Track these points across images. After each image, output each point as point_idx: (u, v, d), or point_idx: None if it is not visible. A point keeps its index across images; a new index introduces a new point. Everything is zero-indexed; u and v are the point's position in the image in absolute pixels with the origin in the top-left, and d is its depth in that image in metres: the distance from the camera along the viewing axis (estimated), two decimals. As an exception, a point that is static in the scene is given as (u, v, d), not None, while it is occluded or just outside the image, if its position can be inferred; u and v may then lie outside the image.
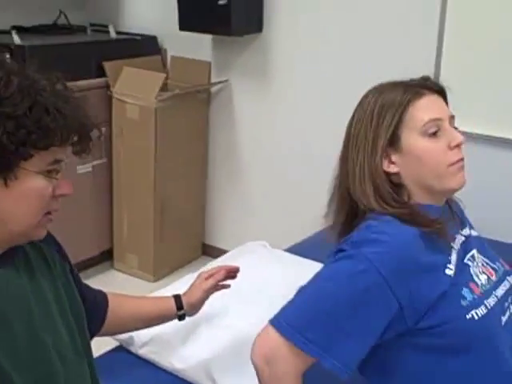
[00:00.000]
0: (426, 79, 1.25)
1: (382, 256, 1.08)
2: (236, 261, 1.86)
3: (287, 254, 2.02)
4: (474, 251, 1.22)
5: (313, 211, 2.73)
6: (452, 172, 1.17)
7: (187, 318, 1.43)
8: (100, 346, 1.57)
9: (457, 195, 1.29)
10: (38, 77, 0.98)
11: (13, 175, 0.93)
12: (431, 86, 1.23)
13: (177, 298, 1.42)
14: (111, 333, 1.39)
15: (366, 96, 1.24)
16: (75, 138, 1.00)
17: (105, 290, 1.66)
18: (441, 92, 1.24)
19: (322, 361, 1.09)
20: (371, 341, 1.10)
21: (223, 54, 2.94)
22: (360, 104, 1.24)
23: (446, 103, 1.25)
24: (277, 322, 1.12)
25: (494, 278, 1.21)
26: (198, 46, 2.96)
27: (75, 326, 1.12)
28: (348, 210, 1.24)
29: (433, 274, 1.11)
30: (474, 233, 1.30)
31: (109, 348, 1.62)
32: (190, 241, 3.15)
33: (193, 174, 3.08)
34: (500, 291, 1.19)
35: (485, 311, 1.12)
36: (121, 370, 1.53)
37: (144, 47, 3.06)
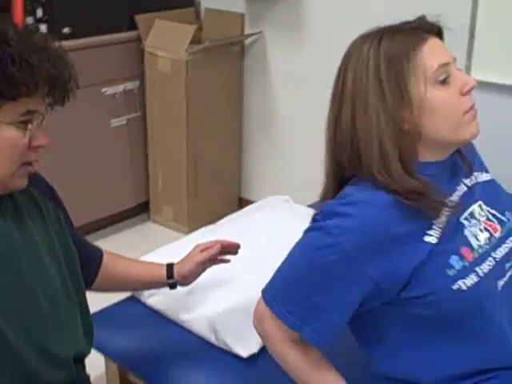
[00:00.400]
0: (423, 19, 1.13)
1: (346, 231, 1.04)
2: (253, 215, 1.88)
3: (308, 210, 2.02)
4: (475, 206, 1.14)
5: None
6: (467, 120, 1.09)
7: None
8: (114, 295, 1.64)
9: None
10: (11, 28, 0.98)
11: None
12: (431, 28, 1.12)
13: (169, 266, 1.42)
14: (103, 289, 1.41)
15: (360, 45, 1.13)
16: (45, 90, 1.00)
17: (142, 241, 1.71)
18: (439, 32, 1.14)
19: (299, 332, 1.10)
20: (347, 314, 1.10)
21: (257, 5, 2.88)
22: (354, 56, 1.13)
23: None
24: (264, 292, 1.15)
25: (497, 234, 1.13)
26: (232, -3, 2.91)
27: (68, 272, 1.16)
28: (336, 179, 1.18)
29: (407, 245, 1.05)
30: (485, 177, 1.21)
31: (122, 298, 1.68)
32: (225, 194, 3.17)
33: (227, 127, 3.07)
34: (501, 251, 1.11)
35: (475, 280, 1.06)
36: (130, 320, 1.57)
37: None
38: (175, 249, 1.65)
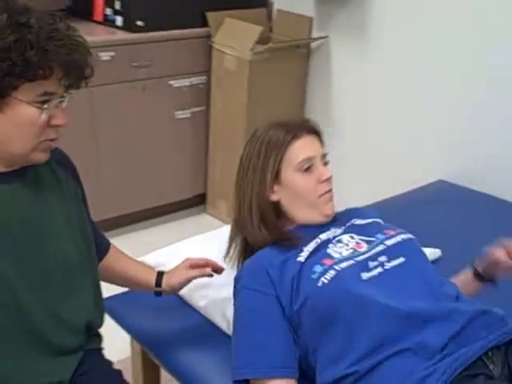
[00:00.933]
0: (305, 121, 1.48)
1: (244, 271, 1.37)
2: None
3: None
4: (345, 236, 1.41)
5: (403, 173, 2.73)
6: (321, 202, 1.41)
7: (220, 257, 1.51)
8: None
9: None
10: (33, 15, 1.07)
11: (4, 103, 1.05)
12: (309, 128, 1.45)
13: (159, 274, 1.48)
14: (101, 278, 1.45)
15: (255, 132, 1.48)
16: (60, 74, 1.08)
17: (195, 232, 1.79)
18: (317, 133, 1.46)
19: (270, 376, 1.27)
20: (288, 336, 1.30)
21: (325, 10, 2.90)
22: (250, 139, 1.48)
23: (322, 142, 1.46)
24: (233, 375, 1.32)
25: (362, 249, 1.37)
26: (303, 0, 2.94)
27: (83, 244, 1.25)
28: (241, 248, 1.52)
29: (285, 266, 1.33)
30: (362, 222, 1.49)
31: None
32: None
33: (287, 128, 3.11)
34: (363, 256, 1.34)
35: (333, 273, 1.28)
36: (155, 303, 1.63)
37: (251, -1, 3.10)
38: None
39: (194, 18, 2.93)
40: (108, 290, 1.50)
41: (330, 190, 1.42)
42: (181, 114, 3.01)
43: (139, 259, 1.73)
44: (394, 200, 2.36)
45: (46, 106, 1.09)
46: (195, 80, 3.00)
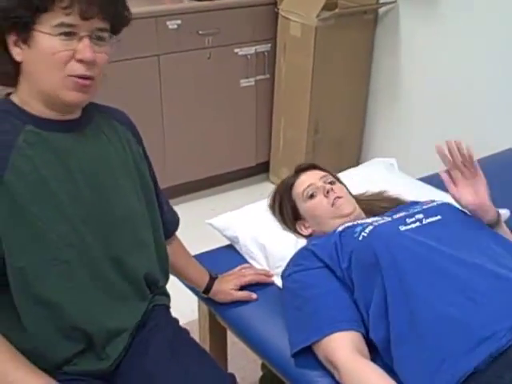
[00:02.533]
0: (299, 166, 1.71)
1: (288, 266, 1.51)
2: (351, 175, 1.93)
3: (403, 175, 2.03)
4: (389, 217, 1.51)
5: (474, 141, 2.67)
6: (335, 209, 1.58)
7: None
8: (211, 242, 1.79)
9: None
10: None
11: (30, 37, 1.09)
12: (303, 168, 1.69)
13: (211, 281, 1.55)
14: None
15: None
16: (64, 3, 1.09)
17: (258, 199, 1.85)
18: (312, 167, 1.70)
19: (322, 335, 1.31)
20: (343, 296, 1.38)
21: (395, -26, 2.83)
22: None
23: (323, 170, 1.69)
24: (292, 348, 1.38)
25: (397, 216, 1.49)
26: (371, -36, 2.88)
27: (144, 199, 1.29)
28: None
29: (327, 239, 1.48)
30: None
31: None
32: (343, 163, 3.18)
33: (352, 96, 3.07)
34: (400, 214, 1.48)
35: (372, 227, 1.40)
36: (225, 266, 1.69)
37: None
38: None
39: (260, -16, 2.92)
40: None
41: (339, 197, 1.59)
42: (245, 82, 3.02)
43: (206, 222, 1.79)
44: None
45: (63, 37, 1.10)
46: (260, 48, 3.00)
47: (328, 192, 1.59)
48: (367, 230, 1.40)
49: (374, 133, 3.19)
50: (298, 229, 1.68)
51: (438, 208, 1.52)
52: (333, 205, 1.58)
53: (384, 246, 1.34)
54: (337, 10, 2.74)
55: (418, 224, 1.43)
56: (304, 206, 1.63)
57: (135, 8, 2.65)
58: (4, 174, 1.08)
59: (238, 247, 1.74)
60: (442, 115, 2.84)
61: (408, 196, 1.73)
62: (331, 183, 1.64)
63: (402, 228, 1.41)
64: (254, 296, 1.56)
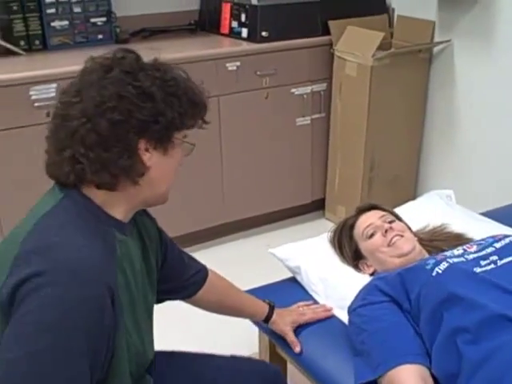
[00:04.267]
0: (360, 207, 1.80)
1: (353, 301, 1.52)
2: (410, 208, 1.94)
3: (462, 208, 2.03)
4: (461, 247, 1.53)
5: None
6: (392, 247, 1.63)
7: None
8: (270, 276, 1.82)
9: None
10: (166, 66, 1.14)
11: (170, 145, 1.11)
12: (363, 208, 1.77)
13: (271, 310, 1.58)
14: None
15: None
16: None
17: (315, 237, 1.90)
18: (372, 207, 1.76)
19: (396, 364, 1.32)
20: (409, 328, 1.39)
21: (448, 14, 2.87)
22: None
23: (383, 210, 1.75)
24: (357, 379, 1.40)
25: (472, 249, 1.50)
26: (425, 5, 2.93)
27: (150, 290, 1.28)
28: None
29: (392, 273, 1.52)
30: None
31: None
32: (399, 200, 3.18)
33: (407, 133, 3.10)
34: (473, 255, 1.46)
35: (447, 265, 1.41)
36: (288, 299, 1.71)
37: (371, 6, 3.12)
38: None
39: (315, 27, 3.00)
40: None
41: (398, 235, 1.64)
42: (302, 121, 3.09)
43: (269, 251, 1.82)
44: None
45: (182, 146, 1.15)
46: (316, 87, 3.06)
47: (386, 231, 1.64)
48: (442, 267, 1.41)
49: (430, 170, 3.19)
50: (361, 267, 1.72)
51: None
52: (391, 244, 1.63)
53: (460, 286, 1.34)
54: (392, 50, 2.79)
55: (492, 266, 1.42)
56: (364, 245, 1.69)
57: (197, 51, 2.81)
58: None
59: (299, 278, 1.77)
60: (497, 153, 2.83)
61: (469, 229, 1.74)
62: (390, 222, 1.67)
63: (478, 270, 1.40)
64: (298, 349, 1.56)
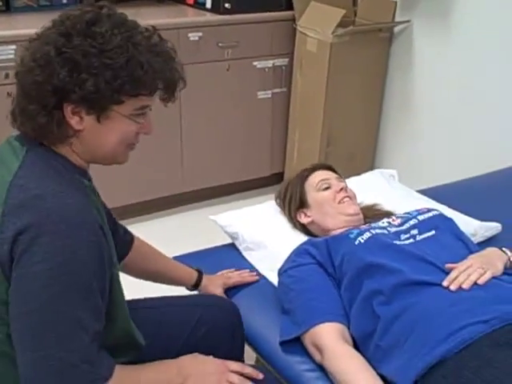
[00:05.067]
0: (319, 164, 1.89)
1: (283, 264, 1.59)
2: (352, 183, 2.00)
3: (402, 186, 2.10)
4: (386, 220, 1.63)
5: (480, 158, 2.72)
6: (342, 205, 1.69)
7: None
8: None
9: None
10: (136, 30, 1.13)
11: (105, 115, 1.11)
12: (322, 166, 1.84)
13: (199, 276, 1.63)
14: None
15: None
16: (161, 89, 1.15)
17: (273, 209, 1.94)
18: (331, 168, 1.83)
19: (312, 325, 1.39)
20: (332, 291, 1.47)
21: (410, -6, 2.92)
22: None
23: (336, 173, 1.81)
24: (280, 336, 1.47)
25: (395, 222, 1.60)
26: (388, -16, 2.97)
27: None
28: None
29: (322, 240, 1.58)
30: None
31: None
32: (356, 175, 3.25)
33: (365, 111, 3.15)
34: (396, 228, 1.56)
35: (369, 235, 1.49)
36: (228, 263, 1.77)
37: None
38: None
39: (279, 1, 3.03)
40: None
41: (349, 197, 1.71)
42: (263, 94, 3.13)
43: (210, 217, 1.87)
44: (468, 183, 2.36)
45: (139, 118, 1.15)
46: (278, 62, 3.10)
47: (341, 189, 1.71)
48: (364, 237, 1.50)
49: (387, 146, 3.26)
50: (298, 216, 1.77)
51: (433, 221, 1.60)
52: (341, 202, 1.69)
53: (379, 256, 1.43)
54: (351, 27, 2.83)
55: (411, 240, 1.52)
56: (314, 196, 1.74)
57: (159, 20, 2.82)
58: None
59: (237, 243, 1.83)
60: (453, 129, 2.90)
61: (404, 206, 1.80)
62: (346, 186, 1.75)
63: (397, 242, 1.49)
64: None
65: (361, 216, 1.70)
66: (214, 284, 1.65)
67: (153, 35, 1.16)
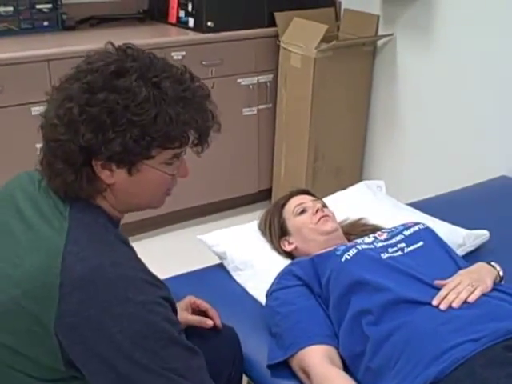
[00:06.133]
0: (293, 190, 1.84)
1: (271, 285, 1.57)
2: (337, 198, 1.99)
3: (390, 198, 2.09)
4: (372, 235, 1.62)
5: (465, 170, 2.72)
6: (319, 225, 1.67)
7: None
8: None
9: None
10: (164, 73, 1.07)
11: (136, 169, 1.07)
12: (297, 192, 1.81)
13: None
14: None
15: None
16: (194, 139, 1.12)
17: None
18: (305, 192, 1.83)
19: (297, 349, 1.38)
20: (319, 312, 1.46)
21: (392, 8, 2.92)
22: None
23: (315, 197, 1.80)
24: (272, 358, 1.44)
25: (382, 237, 1.59)
26: (370, -1, 2.99)
27: None
28: None
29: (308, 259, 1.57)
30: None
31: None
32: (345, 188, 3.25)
33: (351, 125, 3.15)
34: (382, 243, 1.55)
35: (355, 251, 1.48)
36: (217, 285, 1.74)
37: (318, -1, 3.16)
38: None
39: (262, 18, 3.03)
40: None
41: (326, 215, 1.70)
42: (248, 111, 3.12)
43: (197, 237, 1.84)
44: (455, 194, 2.36)
45: (172, 167, 1.11)
46: (262, 78, 3.09)
47: (317, 210, 1.70)
48: (351, 253, 1.48)
49: (373, 161, 3.25)
50: (282, 245, 1.74)
51: (420, 234, 1.59)
52: (318, 222, 1.67)
53: (366, 271, 1.41)
54: (334, 42, 2.83)
55: (400, 253, 1.50)
56: (292, 221, 1.73)
57: (142, 40, 2.81)
58: None
59: (225, 263, 1.81)
60: (437, 142, 2.90)
61: (391, 219, 1.79)
62: (322, 206, 1.72)
63: (385, 256, 1.48)
64: (210, 323, 1.45)
65: (340, 232, 1.70)
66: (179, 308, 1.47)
67: (184, 74, 1.11)
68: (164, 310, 1.05)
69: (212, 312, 1.46)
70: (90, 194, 1.10)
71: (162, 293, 1.08)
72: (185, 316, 1.42)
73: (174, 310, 1.11)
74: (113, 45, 1.12)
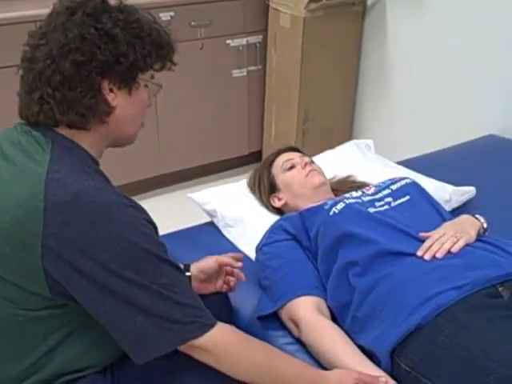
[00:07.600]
0: (282, 147, 1.85)
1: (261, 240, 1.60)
2: (326, 157, 2.00)
3: (378, 157, 2.11)
4: (360, 190, 1.65)
5: (453, 127, 2.73)
6: (308, 179, 1.69)
7: None
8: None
9: None
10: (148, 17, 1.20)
11: (135, 86, 1.16)
12: (285, 149, 1.83)
13: (186, 265, 1.45)
14: None
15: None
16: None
17: None
18: (293, 149, 1.84)
19: (290, 298, 1.41)
20: (308, 264, 1.49)
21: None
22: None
23: (302, 153, 1.81)
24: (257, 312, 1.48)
25: (370, 191, 1.62)
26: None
27: None
28: None
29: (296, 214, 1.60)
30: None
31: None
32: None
33: (341, 86, 3.15)
34: (370, 197, 1.57)
35: (343, 205, 1.51)
36: (207, 242, 1.77)
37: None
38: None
39: (251, -23, 3.00)
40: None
41: (315, 170, 1.71)
42: (238, 73, 3.11)
43: (187, 195, 1.86)
44: (443, 153, 2.39)
45: (149, 87, 1.21)
46: (252, 39, 3.08)
47: (306, 165, 1.72)
48: (338, 207, 1.50)
49: (364, 119, 3.26)
50: (272, 201, 1.76)
51: (407, 188, 1.61)
52: (307, 176, 1.68)
53: (353, 225, 1.44)
54: (324, 1, 2.81)
55: (386, 207, 1.53)
56: (282, 177, 1.74)
57: (129, 0, 2.77)
58: None
59: (216, 221, 1.83)
60: (426, 102, 2.91)
61: (380, 177, 1.81)
62: (310, 161, 1.74)
63: (372, 210, 1.50)
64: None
65: (328, 187, 1.72)
66: (204, 270, 1.46)
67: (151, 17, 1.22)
68: (149, 231, 1.11)
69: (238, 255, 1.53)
70: (92, 125, 1.15)
71: (146, 216, 1.13)
72: (212, 263, 1.45)
73: (157, 234, 1.17)
74: None
